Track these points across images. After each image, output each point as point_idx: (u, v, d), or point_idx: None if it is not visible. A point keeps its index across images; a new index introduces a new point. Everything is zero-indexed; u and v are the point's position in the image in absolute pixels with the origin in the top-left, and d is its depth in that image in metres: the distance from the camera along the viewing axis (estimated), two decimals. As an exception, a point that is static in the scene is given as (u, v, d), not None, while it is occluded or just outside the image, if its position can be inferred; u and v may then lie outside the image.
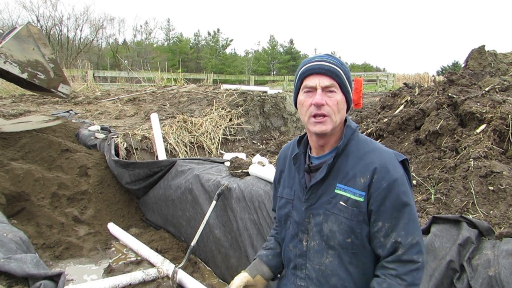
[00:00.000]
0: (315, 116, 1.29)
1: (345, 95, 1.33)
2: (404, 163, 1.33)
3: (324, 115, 1.29)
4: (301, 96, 1.34)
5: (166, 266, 3.18)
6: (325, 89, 1.29)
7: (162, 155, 4.48)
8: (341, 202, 1.30)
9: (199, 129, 5.31)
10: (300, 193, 1.42)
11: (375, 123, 4.12)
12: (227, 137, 5.50)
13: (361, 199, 1.27)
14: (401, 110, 4.10)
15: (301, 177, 1.42)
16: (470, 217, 2.00)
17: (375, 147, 1.34)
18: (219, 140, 5.35)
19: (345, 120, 1.40)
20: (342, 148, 1.33)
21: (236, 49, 55.90)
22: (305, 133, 1.46)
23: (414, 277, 1.24)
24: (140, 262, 3.44)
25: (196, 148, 5.07)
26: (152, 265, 3.33)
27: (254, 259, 1.63)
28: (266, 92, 6.79)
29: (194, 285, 2.91)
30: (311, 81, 1.30)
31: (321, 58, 1.33)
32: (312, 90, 1.30)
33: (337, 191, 1.32)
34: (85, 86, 11.31)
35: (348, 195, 1.30)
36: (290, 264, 1.48)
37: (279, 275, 1.61)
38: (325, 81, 1.29)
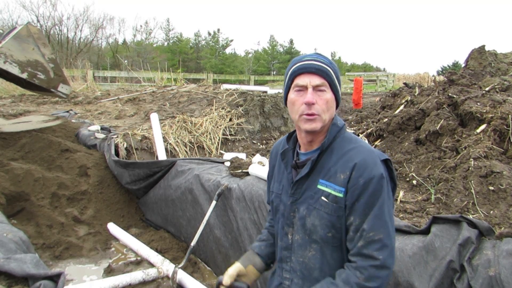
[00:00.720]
0: (306, 114, 1.32)
1: (335, 93, 1.35)
2: (387, 163, 1.34)
3: (314, 114, 1.31)
4: (292, 95, 1.36)
5: (166, 266, 3.17)
6: (316, 88, 1.31)
7: (162, 155, 4.48)
8: (322, 198, 1.34)
9: (199, 129, 5.30)
10: (287, 187, 1.46)
11: (375, 123, 4.12)
12: (227, 137, 5.50)
13: (341, 195, 1.30)
14: (401, 110, 4.10)
15: (288, 172, 1.46)
16: (470, 217, 1.99)
17: (358, 145, 1.35)
18: (219, 140, 5.34)
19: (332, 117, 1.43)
20: (326, 145, 1.36)
21: (236, 49, 55.98)
22: (295, 130, 1.49)
23: (372, 273, 1.24)
24: (140, 262, 3.44)
25: (196, 148, 5.07)
26: (152, 265, 3.32)
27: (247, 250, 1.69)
28: (266, 92, 6.79)
29: (194, 285, 2.91)
30: (302, 80, 1.32)
31: (311, 57, 1.35)
32: (303, 89, 1.33)
33: (319, 186, 1.35)
34: (85, 86, 11.31)
35: (329, 190, 1.32)
36: (278, 256, 1.53)
37: (271, 265, 1.67)
38: (316, 80, 1.31)
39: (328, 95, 1.32)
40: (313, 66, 1.31)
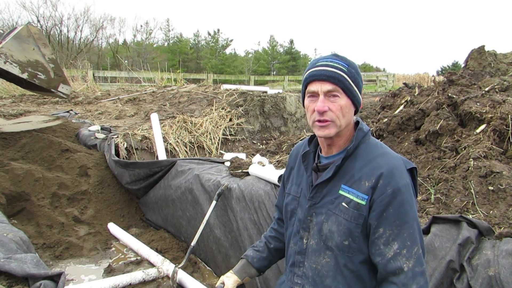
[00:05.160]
0: (319, 121, 1.29)
1: (351, 98, 1.30)
2: (412, 172, 1.31)
3: (327, 120, 1.28)
4: (306, 101, 1.35)
5: (166, 266, 3.18)
6: (328, 93, 1.28)
7: (162, 155, 4.48)
8: (343, 203, 1.30)
9: (199, 129, 5.31)
10: (306, 191, 1.43)
11: (375, 123, 4.12)
12: (227, 137, 5.50)
13: (363, 202, 1.26)
14: (401, 110, 4.10)
15: (308, 175, 1.43)
16: (470, 217, 2.00)
17: (384, 152, 1.32)
18: (219, 140, 5.35)
19: (358, 122, 1.39)
20: (352, 150, 1.33)
21: (236, 49, 55.87)
22: None
23: (424, 285, 1.23)
24: (140, 262, 3.44)
25: (196, 148, 5.07)
26: (152, 265, 3.33)
27: (242, 258, 1.70)
28: (266, 92, 6.79)
29: (194, 285, 2.91)
30: (313, 87, 1.30)
31: (325, 62, 1.30)
32: (315, 95, 1.30)
33: (341, 192, 1.31)
34: (85, 86, 11.31)
35: (351, 197, 1.29)
36: (290, 260, 1.49)
37: (262, 273, 1.71)
38: (327, 86, 1.27)
39: (342, 100, 1.28)
40: (324, 73, 1.27)
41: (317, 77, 1.28)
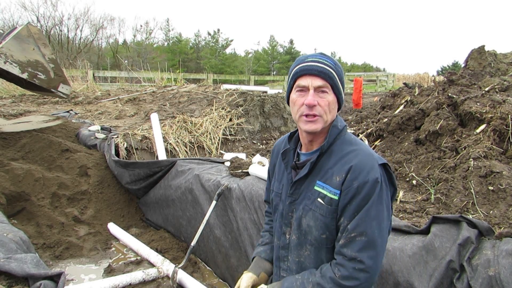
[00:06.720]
0: (306, 115, 1.31)
1: (337, 95, 1.34)
2: (386, 167, 1.32)
3: (315, 115, 1.31)
4: (294, 95, 1.36)
5: (166, 266, 3.18)
6: (317, 89, 1.31)
7: (162, 155, 4.48)
8: (318, 199, 1.34)
9: (199, 129, 5.31)
10: (287, 187, 1.46)
11: (375, 123, 4.12)
12: (227, 137, 5.50)
13: (336, 197, 1.30)
14: (401, 110, 4.10)
15: (288, 172, 1.47)
16: (470, 217, 2.00)
17: (356, 148, 1.34)
18: (219, 140, 5.35)
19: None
20: (326, 147, 1.36)
21: (236, 49, 55.85)
22: (297, 130, 1.48)
23: (350, 273, 1.23)
24: (140, 262, 3.44)
25: (196, 148, 5.07)
26: (152, 265, 3.33)
27: (253, 258, 1.68)
28: (266, 92, 6.79)
29: (194, 285, 2.92)
30: (304, 81, 1.32)
31: (314, 58, 1.33)
32: (305, 89, 1.32)
33: (316, 188, 1.35)
34: (85, 86, 11.31)
35: (325, 192, 1.32)
36: (274, 255, 1.55)
37: None
38: (318, 81, 1.30)
39: (330, 97, 1.31)
40: (315, 68, 1.30)
41: (308, 72, 1.31)
